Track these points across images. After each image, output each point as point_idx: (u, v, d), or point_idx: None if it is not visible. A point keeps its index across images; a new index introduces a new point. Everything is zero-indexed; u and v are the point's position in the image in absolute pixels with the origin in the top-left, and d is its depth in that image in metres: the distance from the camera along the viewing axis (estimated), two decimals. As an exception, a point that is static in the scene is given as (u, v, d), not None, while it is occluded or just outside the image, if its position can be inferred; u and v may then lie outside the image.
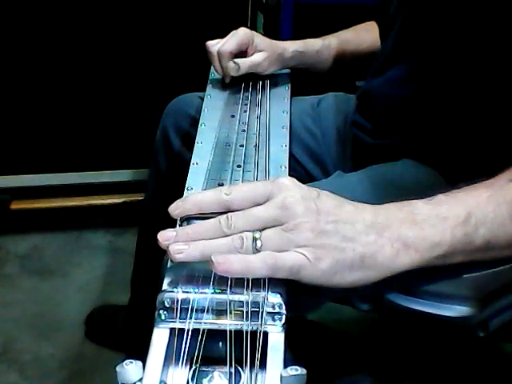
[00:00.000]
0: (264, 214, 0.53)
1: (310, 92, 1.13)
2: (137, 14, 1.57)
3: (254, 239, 0.52)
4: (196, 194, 0.57)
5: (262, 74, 1.01)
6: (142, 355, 0.47)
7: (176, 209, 0.56)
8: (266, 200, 0.54)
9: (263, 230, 0.53)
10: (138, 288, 1.32)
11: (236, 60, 0.98)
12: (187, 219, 0.56)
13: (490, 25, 0.77)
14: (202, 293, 0.51)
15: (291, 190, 0.55)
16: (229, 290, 0.51)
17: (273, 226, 0.53)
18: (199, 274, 0.54)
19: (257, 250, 0.52)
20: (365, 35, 1.09)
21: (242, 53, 1.01)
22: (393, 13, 0.94)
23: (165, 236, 0.54)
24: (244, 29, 1.02)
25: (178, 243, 0.53)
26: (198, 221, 0.55)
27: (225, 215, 0.54)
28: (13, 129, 1.60)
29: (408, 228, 0.56)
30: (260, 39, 1.02)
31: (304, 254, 0.52)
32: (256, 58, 1.00)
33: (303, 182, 0.87)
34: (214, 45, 0.99)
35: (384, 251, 0.55)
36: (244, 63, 0.98)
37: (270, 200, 0.54)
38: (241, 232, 0.53)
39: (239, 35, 1.00)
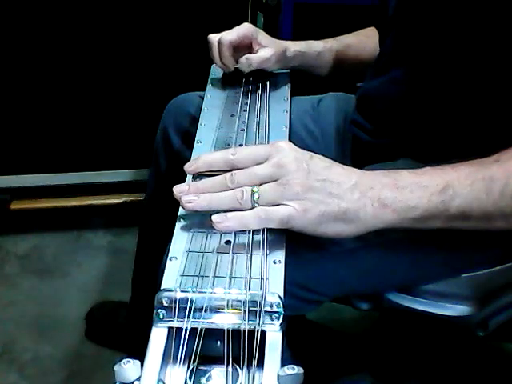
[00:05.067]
0: (262, 171, 0.62)
1: (310, 92, 1.13)
2: (137, 14, 1.57)
3: (253, 192, 0.60)
4: (207, 154, 0.67)
5: (268, 70, 1.01)
6: (142, 355, 0.48)
7: (190, 166, 0.66)
8: (266, 160, 0.62)
9: (261, 185, 0.61)
10: (139, 288, 1.32)
11: (248, 56, 0.99)
12: (199, 176, 0.65)
13: (489, 26, 0.77)
14: (200, 292, 0.51)
15: (287, 151, 0.63)
16: (228, 288, 0.52)
17: (269, 182, 0.61)
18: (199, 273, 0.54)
19: (255, 201, 0.60)
20: (366, 41, 1.09)
21: (242, 47, 1.01)
22: (392, 14, 0.94)
23: (179, 189, 0.63)
24: (247, 23, 1.03)
25: (189, 195, 0.62)
26: (208, 178, 0.64)
27: (229, 173, 0.63)
28: (13, 129, 1.60)
29: (388, 191, 0.63)
30: (263, 35, 1.02)
31: (293, 206, 0.60)
32: (264, 53, 1.01)
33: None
34: (216, 36, 1.01)
35: (365, 209, 0.62)
36: (255, 59, 0.99)
37: (268, 160, 0.62)
38: (242, 186, 0.61)
39: (242, 27, 1.01)
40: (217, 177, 0.63)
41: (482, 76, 0.79)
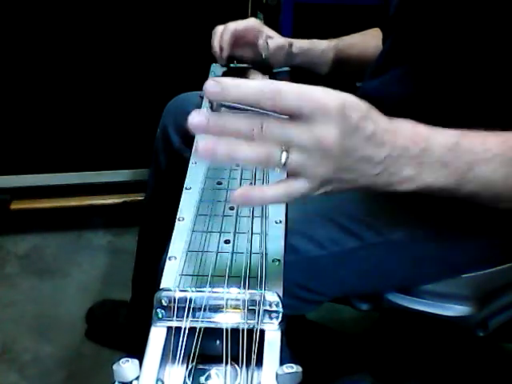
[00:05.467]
0: (298, 137, 0.52)
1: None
2: (137, 14, 1.57)
3: (281, 159, 0.52)
4: (241, 81, 0.52)
5: (271, 62, 1.03)
6: (142, 355, 0.48)
7: (214, 87, 0.51)
8: (307, 118, 0.52)
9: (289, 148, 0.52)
10: (139, 287, 1.32)
11: (267, 40, 1.01)
12: (221, 106, 0.53)
13: (488, 26, 0.77)
14: (199, 291, 0.51)
15: (333, 121, 0.53)
16: (226, 287, 0.51)
17: (300, 149, 0.53)
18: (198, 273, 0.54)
19: (280, 168, 0.52)
20: (370, 41, 1.09)
21: (245, 39, 1.02)
22: (392, 14, 0.94)
23: (196, 120, 0.51)
24: (253, 18, 1.06)
25: (207, 141, 0.51)
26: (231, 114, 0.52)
27: (259, 122, 0.52)
28: (13, 129, 1.60)
29: (411, 169, 0.59)
30: (269, 30, 1.04)
31: (318, 184, 0.54)
32: (279, 40, 1.02)
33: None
34: (222, 26, 1.03)
35: (390, 186, 0.59)
36: (272, 42, 1.01)
37: (309, 123, 0.52)
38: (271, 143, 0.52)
39: (248, 20, 1.03)
40: (244, 120, 0.52)
41: (482, 74, 0.79)
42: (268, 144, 0.52)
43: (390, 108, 0.90)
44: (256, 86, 0.51)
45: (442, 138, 0.63)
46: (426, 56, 0.84)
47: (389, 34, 0.94)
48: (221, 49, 1.02)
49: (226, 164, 0.58)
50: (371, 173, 0.57)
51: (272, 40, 1.02)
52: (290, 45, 1.04)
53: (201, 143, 0.51)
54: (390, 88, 0.90)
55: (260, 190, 0.54)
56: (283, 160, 0.52)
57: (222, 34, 1.01)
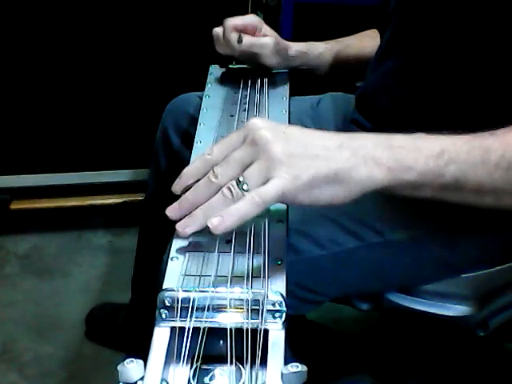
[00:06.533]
0: (239, 154, 0.58)
1: (310, 92, 1.13)
2: (137, 14, 1.57)
3: (239, 183, 0.57)
4: (187, 167, 0.63)
5: (266, 62, 1.01)
6: (142, 355, 0.48)
7: (176, 185, 0.63)
8: (237, 146, 0.59)
9: (245, 170, 0.57)
10: (139, 288, 1.32)
11: (241, 34, 0.98)
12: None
13: (486, 18, 0.77)
14: (202, 291, 0.51)
15: (260, 125, 0.58)
16: (230, 287, 0.52)
17: (252, 164, 0.57)
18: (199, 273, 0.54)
19: (245, 190, 0.56)
20: (368, 42, 1.09)
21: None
22: (390, 10, 0.95)
23: (170, 211, 0.61)
24: (252, 14, 1.05)
25: (181, 221, 0.59)
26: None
27: (211, 170, 0.59)
28: (13, 129, 1.61)
29: (383, 150, 0.60)
30: (267, 28, 1.03)
31: (282, 176, 0.56)
32: (263, 39, 1.00)
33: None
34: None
35: (358, 168, 0.58)
36: (248, 38, 0.98)
37: (244, 142, 0.59)
38: (228, 179, 0.58)
39: (247, 16, 1.03)
40: (200, 181, 0.60)
41: (478, 67, 0.79)
42: (226, 185, 0.57)
43: (387, 102, 0.91)
44: (197, 163, 0.62)
45: (399, 135, 0.63)
46: (421, 49, 0.85)
47: (386, 30, 0.95)
48: (230, 49, 1.00)
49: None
50: (335, 156, 0.58)
51: (258, 37, 1.01)
52: (286, 48, 1.03)
53: (177, 228, 0.60)
54: (385, 81, 0.91)
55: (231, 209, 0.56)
56: (242, 181, 0.56)
57: (225, 31, 0.99)
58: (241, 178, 0.57)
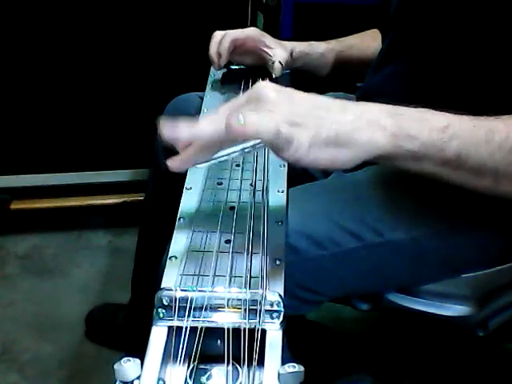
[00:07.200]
0: (241, 99, 0.57)
1: (310, 92, 1.13)
2: (137, 15, 1.57)
3: (237, 116, 0.52)
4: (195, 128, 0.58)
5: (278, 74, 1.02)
6: (142, 354, 0.48)
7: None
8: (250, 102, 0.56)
9: None
10: (139, 287, 1.32)
11: (280, 60, 1.00)
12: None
13: (488, 20, 0.77)
14: (200, 291, 0.51)
15: (265, 85, 0.57)
16: (228, 287, 0.52)
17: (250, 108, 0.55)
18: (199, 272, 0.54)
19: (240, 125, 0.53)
20: (369, 42, 1.10)
21: (244, 48, 1.01)
22: (393, 12, 0.95)
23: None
24: (253, 27, 1.05)
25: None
26: None
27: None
28: (13, 129, 1.61)
29: (388, 116, 0.59)
30: (269, 38, 1.04)
31: (280, 131, 0.53)
32: (282, 53, 1.02)
33: (303, 182, 0.88)
34: (222, 31, 1.02)
35: (360, 131, 0.57)
36: (283, 60, 1.00)
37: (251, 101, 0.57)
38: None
39: (248, 29, 1.03)
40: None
41: (481, 71, 0.79)
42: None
43: (390, 103, 0.91)
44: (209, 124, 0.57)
45: (406, 107, 0.62)
46: (424, 51, 0.84)
47: (388, 32, 0.95)
48: (219, 55, 1.02)
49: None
50: (338, 117, 0.56)
51: (278, 53, 1.02)
52: (291, 51, 1.04)
53: (170, 164, 0.59)
54: (387, 83, 0.91)
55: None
56: (240, 116, 0.52)
57: (222, 41, 1.00)
58: (240, 116, 0.53)
